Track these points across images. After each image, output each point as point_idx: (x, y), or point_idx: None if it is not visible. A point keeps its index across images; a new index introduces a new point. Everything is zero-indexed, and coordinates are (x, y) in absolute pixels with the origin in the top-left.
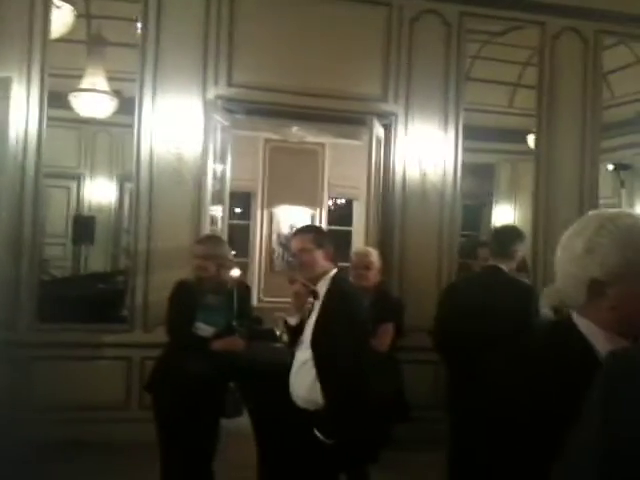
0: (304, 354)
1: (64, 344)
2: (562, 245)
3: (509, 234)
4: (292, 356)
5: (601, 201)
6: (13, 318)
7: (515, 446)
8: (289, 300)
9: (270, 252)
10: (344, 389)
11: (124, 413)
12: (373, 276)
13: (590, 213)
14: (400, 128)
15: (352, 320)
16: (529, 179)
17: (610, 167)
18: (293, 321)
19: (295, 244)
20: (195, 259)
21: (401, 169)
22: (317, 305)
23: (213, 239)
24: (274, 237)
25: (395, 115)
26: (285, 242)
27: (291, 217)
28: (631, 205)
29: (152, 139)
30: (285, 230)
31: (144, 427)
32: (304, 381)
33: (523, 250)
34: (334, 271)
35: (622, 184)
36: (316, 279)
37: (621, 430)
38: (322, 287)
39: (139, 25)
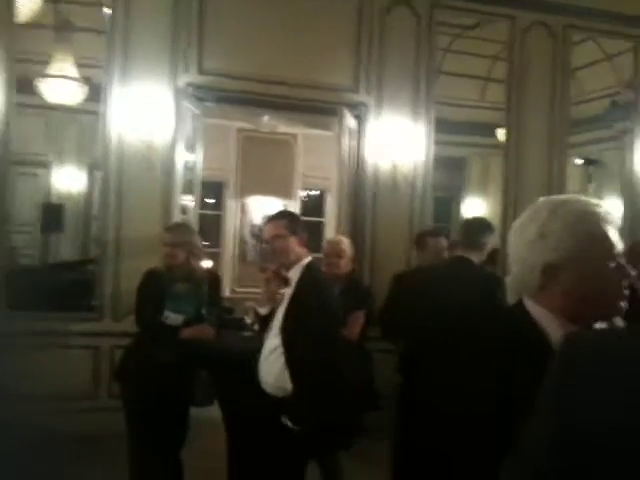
0: (273, 341)
1: (33, 333)
2: (515, 232)
3: (478, 226)
4: (262, 344)
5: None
6: None
7: (471, 436)
8: (260, 290)
9: (242, 242)
10: (314, 376)
11: (93, 402)
12: (345, 264)
13: (541, 199)
14: (371, 119)
15: (323, 308)
16: (499, 172)
17: (578, 162)
18: (264, 311)
19: (268, 230)
20: (164, 247)
21: (372, 160)
22: (289, 292)
23: (182, 227)
24: (246, 227)
25: (366, 106)
26: (257, 232)
27: (263, 208)
28: (598, 200)
29: (121, 127)
30: (257, 221)
31: (113, 416)
32: (273, 368)
33: (492, 242)
34: (308, 258)
35: (590, 179)
36: (289, 266)
37: (574, 415)
38: (295, 274)
39: (108, 11)
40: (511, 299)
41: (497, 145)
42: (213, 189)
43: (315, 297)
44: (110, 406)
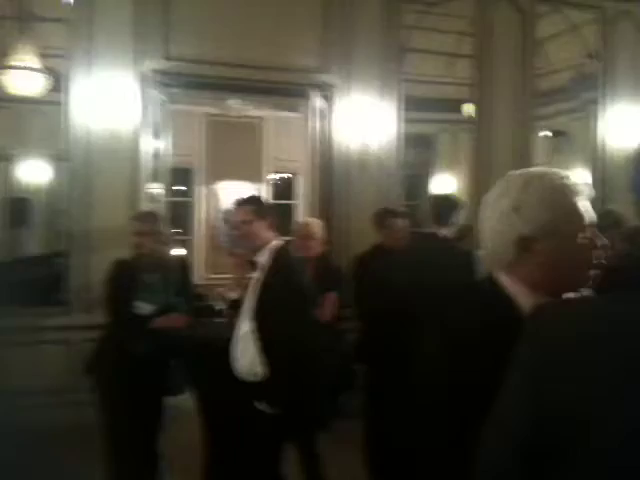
0: (244, 326)
1: (2, 329)
2: (489, 205)
3: (447, 203)
4: (233, 329)
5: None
6: None
7: (444, 412)
8: (230, 275)
9: (213, 228)
10: (288, 359)
11: (66, 397)
12: (315, 246)
13: (515, 172)
14: (340, 99)
15: (295, 291)
16: (468, 148)
17: (546, 134)
18: (234, 295)
19: (236, 216)
20: (132, 236)
21: (342, 141)
22: (258, 276)
23: (149, 215)
24: (217, 213)
25: (334, 86)
26: (228, 218)
27: (234, 193)
28: (566, 170)
29: (86, 116)
30: (228, 206)
31: (86, 410)
32: (246, 352)
33: (461, 218)
34: (277, 242)
35: (556, 150)
36: (257, 250)
37: (547, 385)
38: (264, 258)
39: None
40: (485, 273)
41: (466, 120)
42: (182, 176)
43: (285, 280)
44: (83, 400)
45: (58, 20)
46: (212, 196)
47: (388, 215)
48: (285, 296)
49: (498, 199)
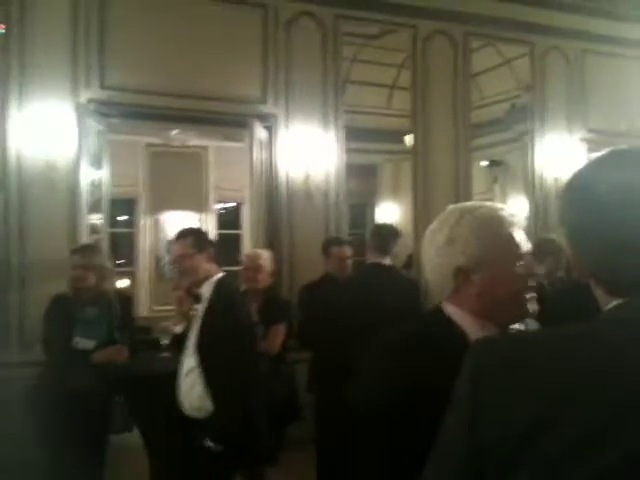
0: (189, 361)
1: None
2: (427, 238)
3: (387, 232)
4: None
5: (475, 196)
6: None
7: (387, 437)
8: (174, 308)
9: (157, 260)
10: (231, 393)
11: (5, 437)
12: (263, 279)
13: (450, 207)
14: (282, 130)
15: (238, 323)
16: (410, 177)
17: (483, 164)
18: (178, 329)
19: (175, 250)
20: (72, 270)
21: (285, 171)
22: (201, 309)
23: (89, 248)
24: (161, 244)
25: (276, 117)
26: (170, 249)
27: (178, 223)
28: (504, 199)
29: (20, 146)
30: (172, 236)
31: (27, 450)
32: (192, 389)
33: (401, 246)
34: (219, 274)
35: (495, 179)
36: (199, 283)
37: (485, 420)
38: (206, 290)
39: (1, 27)
40: (432, 303)
41: (407, 151)
42: (124, 206)
43: (227, 312)
44: (24, 439)
45: None
46: (156, 226)
47: (333, 243)
48: (227, 330)
49: (435, 232)
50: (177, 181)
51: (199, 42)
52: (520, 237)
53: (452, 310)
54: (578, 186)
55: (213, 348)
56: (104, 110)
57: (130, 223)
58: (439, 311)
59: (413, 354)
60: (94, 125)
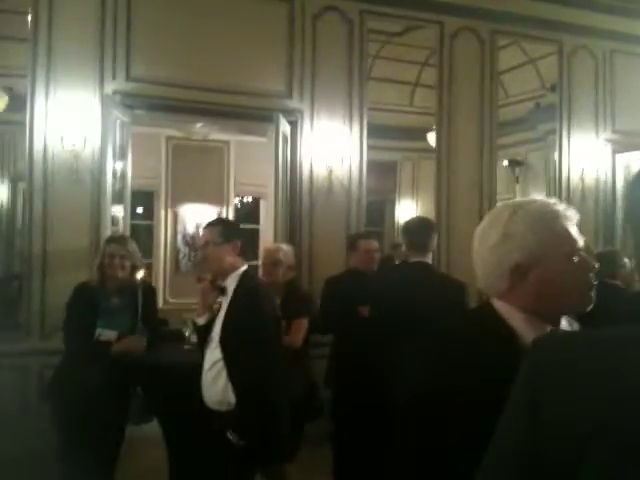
0: (214, 353)
1: None
2: (478, 238)
3: (424, 228)
4: (202, 357)
5: (497, 196)
6: None
7: (438, 436)
8: (196, 300)
9: (175, 252)
10: (253, 387)
11: (22, 424)
12: (282, 273)
13: (499, 204)
14: (306, 125)
15: (262, 317)
16: (430, 176)
17: (505, 163)
18: (202, 321)
19: (202, 237)
20: (109, 258)
21: (308, 166)
22: (225, 302)
23: (125, 237)
24: (179, 237)
25: (301, 112)
26: (191, 241)
27: (197, 216)
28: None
29: (46, 137)
30: (191, 229)
31: (42, 438)
32: (217, 382)
33: (435, 242)
34: (244, 267)
35: (517, 179)
36: (224, 275)
37: (546, 420)
38: (231, 283)
39: (30, 18)
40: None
41: (427, 149)
42: (143, 198)
43: (251, 305)
44: (40, 428)
45: (17, 39)
46: (174, 219)
47: (360, 237)
48: (252, 323)
49: (486, 231)
50: (197, 174)
51: (225, 36)
52: (575, 232)
53: (502, 307)
54: None
55: (237, 342)
56: (129, 102)
57: (148, 215)
58: (489, 307)
59: (465, 350)
60: (119, 117)
